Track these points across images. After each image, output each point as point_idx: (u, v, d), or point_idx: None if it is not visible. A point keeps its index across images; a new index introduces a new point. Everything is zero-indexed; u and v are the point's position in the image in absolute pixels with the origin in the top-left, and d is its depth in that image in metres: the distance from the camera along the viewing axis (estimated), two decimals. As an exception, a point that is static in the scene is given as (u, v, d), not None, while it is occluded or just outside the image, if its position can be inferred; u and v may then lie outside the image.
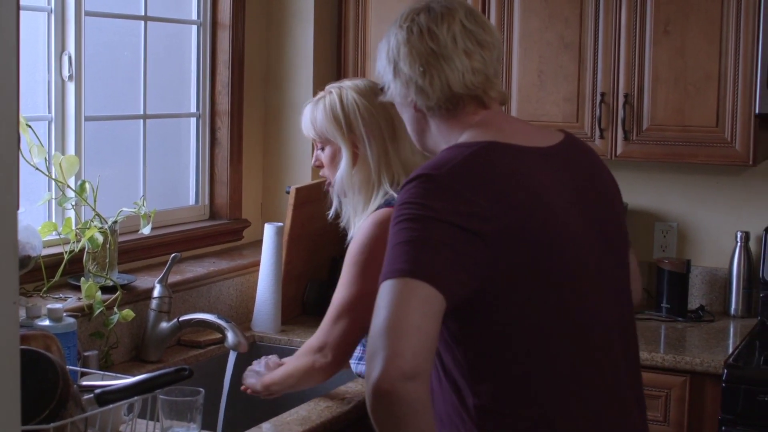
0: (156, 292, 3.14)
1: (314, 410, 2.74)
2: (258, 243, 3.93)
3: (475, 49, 2.06)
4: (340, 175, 2.78)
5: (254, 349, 3.38)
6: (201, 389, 2.47)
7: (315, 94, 3.91)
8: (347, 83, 2.85)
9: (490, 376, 1.94)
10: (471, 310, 1.91)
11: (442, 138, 2.10)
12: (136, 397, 2.25)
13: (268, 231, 3.53)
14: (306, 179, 3.94)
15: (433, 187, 1.90)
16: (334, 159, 2.81)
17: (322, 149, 2.84)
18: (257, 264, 3.62)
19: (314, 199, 3.68)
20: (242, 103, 3.88)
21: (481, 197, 1.90)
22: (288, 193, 3.62)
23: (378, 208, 2.71)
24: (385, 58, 2.11)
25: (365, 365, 1.81)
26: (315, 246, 3.76)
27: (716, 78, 3.56)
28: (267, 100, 4.03)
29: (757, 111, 3.49)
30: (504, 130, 2.06)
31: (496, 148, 2.00)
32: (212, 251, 3.77)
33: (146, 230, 3.17)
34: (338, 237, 3.91)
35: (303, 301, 3.78)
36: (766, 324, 3.71)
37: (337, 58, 4.06)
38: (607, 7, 3.67)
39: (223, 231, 3.82)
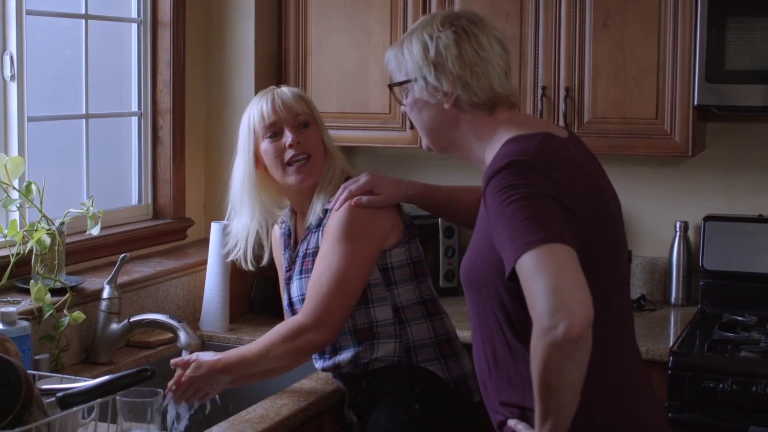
0: (105, 293, 3.12)
1: (271, 408, 2.75)
2: (202, 242, 3.92)
3: (503, 54, 2.33)
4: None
5: (204, 349, 3.36)
6: (160, 390, 2.46)
7: (257, 91, 3.93)
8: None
9: None
10: None
11: (473, 133, 2.30)
12: (98, 400, 2.23)
13: (215, 229, 3.52)
14: (249, 177, 3.92)
15: (526, 169, 2.10)
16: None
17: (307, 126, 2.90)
18: (204, 263, 3.61)
19: (260, 196, 3.67)
20: (184, 101, 3.86)
21: (563, 177, 2.12)
22: (234, 191, 3.60)
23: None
24: (421, 58, 2.29)
25: (543, 320, 1.93)
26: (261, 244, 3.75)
27: (655, 71, 3.62)
28: (208, 98, 4.01)
29: (695, 103, 3.55)
30: (539, 125, 2.31)
31: (553, 138, 2.23)
32: (157, 251, 3.74)
33: (95, 231, 3.14)
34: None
35: (250, 300, 3.77)
36: (706, 312, 3.78)
37: (278, 55, 4.05)
38: (547, 2, 3.71)
39: (168, 230, 3.80)
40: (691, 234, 3.90)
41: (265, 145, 2.86)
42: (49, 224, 3.06)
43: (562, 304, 1.92)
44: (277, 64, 4.05)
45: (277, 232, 3.02)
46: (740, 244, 3.80)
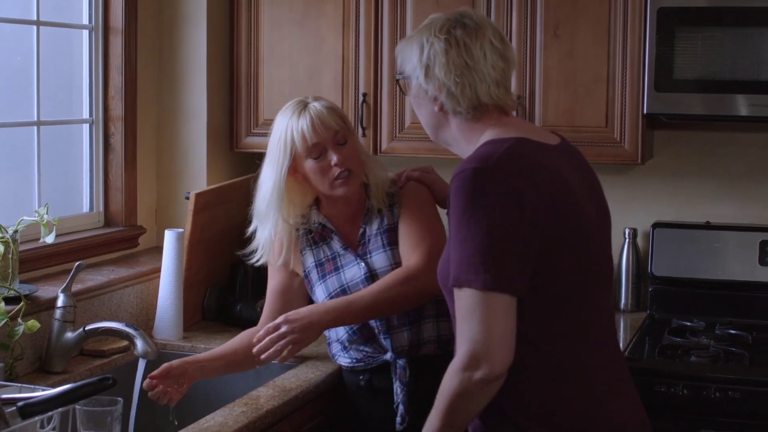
0: (60, 302, 3.09)
1: (230, 416, 2.74)
2: (154, 250, 3.91)
3: (500, 64, 2.37)
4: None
5: (160, 358, 3.35)
6: (119, 399, 2.45)
7: (209, 99, 3.94)
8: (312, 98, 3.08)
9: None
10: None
11: (462, 136, 2.39)
12: (59, 409, 2.22)
13: (169, 237, 3.51)
14: (201, 185, 3.92)
15: (487, 178, 2.17)
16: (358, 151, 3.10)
17: (344, 143, 3.03)
18: (157, 271, 3.59)
19: (213, 204, 3.69)
20: (136, 108, 3.84)
21: (522, 183, 2.17)
22: (187, 198, 3.60)
23: None
24: (417, 60, 2.38)
25: (467, 358, 2.16)
26: (214, 252, 3.75)
27: (605, 80, 3.67)
28: (160, 106, 4.00)
29: (645, 111, 3.61)
30: (522, 129, 2.36)
31: (526, 143, 2.28)
32: (108, 259, 3.72)
33: (49, 239, 3.12)
34: (236, 242, 3.92)
35: (203, 308, 3.76)
36: (656, 317, 3.83)
37: (229, 63, 4.05)
38: (498, 11, 3.74)
39: (120, 238, 3.78)
40: (639, 241, 3.96)
41: (310, 165, 2.98)
42: (2, 232, 3.04)
43: (487, 352, 2.13)
44: (228, 72, 4.05)
45: (291, 233, 3.10)
46: (688, 251, 3.86)
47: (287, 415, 2.91)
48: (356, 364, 3.06)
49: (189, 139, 3.98)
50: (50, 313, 3.11)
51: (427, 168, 3.18)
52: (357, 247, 3.06)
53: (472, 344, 2.14)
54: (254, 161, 4.20)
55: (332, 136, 2.98)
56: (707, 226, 3.89)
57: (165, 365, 2.88)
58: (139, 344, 2.96)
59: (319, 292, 3.07)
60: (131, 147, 3.83)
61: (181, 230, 3.54)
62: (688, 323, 3.71)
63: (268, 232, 3.04)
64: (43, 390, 2.43)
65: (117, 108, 3.79)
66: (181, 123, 3.99)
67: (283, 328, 2.84)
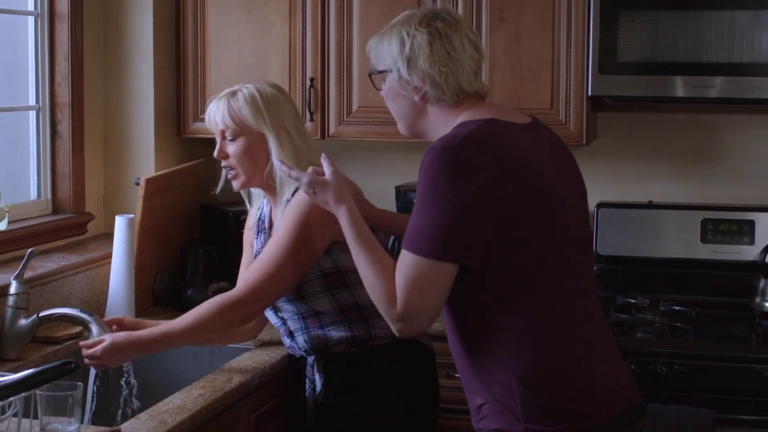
0: (13, 289, 3.08)
1: (188, 398, 2.76)
2: (102, 236, 3.91)
3: (475, 55, 2.53)
4: (276, 161, 2.90)
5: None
6: (79, 383, 2.46)
7: (156, 85, 3.94)
8: (254, 83, 3.01)
9: None
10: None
11: (439, 122, 2.51)
12: (22, 394, 2.22)
13: (119, 223, 3.51)
14: (149, 171, 3.92)
15: (453, 155, 2.30)
16: (250, 149, 2.95)
17: (233, 140, 2.95)
18: (107, 257, 3.60)
19: (163, 189, 3.69)
20: (83, 94, 3.82)
21: (487, 161, 2.31)
22: (137, 184, 3.60)
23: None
24: (398, 53, 2.50)
25: (393, 312, 2.37)
26: (164, 237, 3.76)
27: (550, 63, 3.73)
28: (107, 92, 3.98)
29: (589, 93, 3.67)
30: (495, 111, 2.49)
31: (495, 124, 2.42)
32: (57, 246, 3.71)
33: (2, 226, 3.11)
34: (186, 228, 3.94)
35: (153, 293, 3.77)
36: (601, 295, 3.87)
37: (176, 49, 4.05)
38: (444, -4, 3.79)
39: (68, 225, 3.77)
40: (584, 221, 4.02)
41: None
42: (-47, 220, 3.02)
43: (412, 316, 2.35)
44: (175, 58, 4.05)
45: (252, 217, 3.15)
46: (631, 230, 3.94)
47: (244, 397, 2.93)
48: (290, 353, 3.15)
49: (136, 125, 3.97)
50: (1, 300, 3.10)
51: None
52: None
53: (403, 302, 2.34)
54: (201, 147, 4.21)
55: (220, 130, 2.99)
56: (650, 206, 3.97)
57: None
58: (95, 329, 2.95)
59: None
60: (78, 133, 3.81)
61: (131, 216, 3.54)
62: (633, 300, 3.79)
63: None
64: (2, 375, 2.43)
65: (64, 94, 3.77)
66: (129, 109, 3.98)
67: (98, 350, 2.81)
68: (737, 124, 4.01)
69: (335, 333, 2.96)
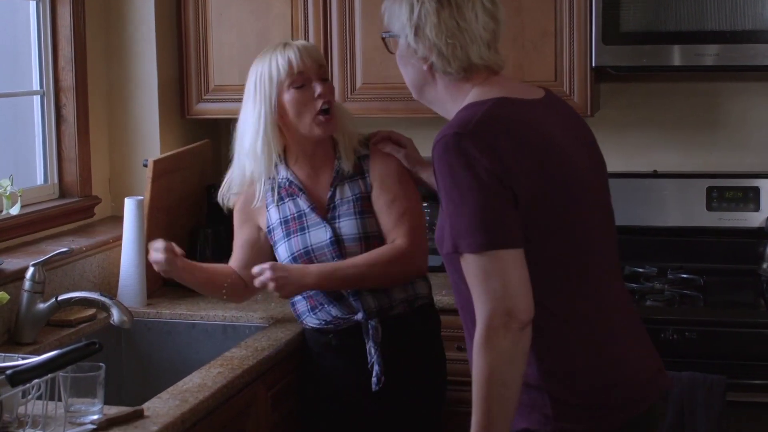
0: (29, 273, 3.09)
1: (208, 376, 2.78)
2: (110, 219, 3.91)
3: (490, 25, 2.36)
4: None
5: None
6: (102, 364, 2.47)
7: (159, 67, 3.93)
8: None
9: None
10: None
11: (449, 95, 2.37)
12: (48, 375, 2.24)
13: (129, 205, 3.52)
14: (155, 153, 3.91)
15: (467, 143, 2.16)
16: None
17: (326, 80, 3.05)
18: (117, 240, 3.61)
19: (170, 170, 3.70)
20: (86, 78, 3.82)
21: (504, 143, 2.18)
22: (145, 166, 3.61)
23: None
24: (406, 19, 2.35)
25: (492, 320, 2.12)
26: (173, 218, 3.76)
27: (553, 34, 3.72)
28: (110, 75, 3.98)
29: (593, 64, 3.68)
30: (505, 88, 2.34)
31: (506, 102, 2.28)
32: (66, 230, 3.71)
33: (14, 210, 3.12)
34: (195, 208, 3.94)
35: (164, 274, 3.77)
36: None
37: (178, 30, 4.04)
38: (445, -30, 3.78)
39: (76, 209, 3.77)
40: (589, 192, 4.03)
41: (291, 95, 2.97)
42: (-36, 205, 3.03)
43: (509, 304, 2.11)
44: (177, 39, 4.05)
45: (256, 187, 3.09)
46: (637, 200, 3.96)
47: (261, 374, 2.95)
48: (325, 326, 3.07)
49: (140, 107, 3.97)
50: (16, 284, 3.11)
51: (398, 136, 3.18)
52: (326, 210, 3.04)
53: (492, 302, 2.12)
54: (206, 127, 4.22)
55: (317, 68, 2.99)
56: (655, 175, 3.98)
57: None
58: (116, 313, 2.97)
59: (282, 251, 3.07)
60: (83, 117, 3.81)
61: (140, 198, 3.55)
62: (641, 269, 3.80)
63: (260, 167, 3.03)
64: (24, 358, 2.45)
65: (67, 78, 3.77)
66: (132, 92, 3.97)
67: (268, 274, 2.90)
68: (740, 92, 4.03)
69: (396, 293, 3.04)
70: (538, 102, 2.36)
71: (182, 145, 4.03)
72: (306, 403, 3.17)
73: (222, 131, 4.42)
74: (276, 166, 3.03)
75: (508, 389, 2.13)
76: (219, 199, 3.16)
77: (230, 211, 3.22)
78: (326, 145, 3.06)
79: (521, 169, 2.18)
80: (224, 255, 3.77)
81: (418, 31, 2.33)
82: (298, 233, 3.04)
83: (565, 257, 2.25)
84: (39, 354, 2.70)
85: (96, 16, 3.90)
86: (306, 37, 3.90)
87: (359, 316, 3.01)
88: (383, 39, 2.47)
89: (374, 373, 2.99)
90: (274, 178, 3.06)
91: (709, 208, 3.92)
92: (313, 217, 3.03)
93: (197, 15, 4.01)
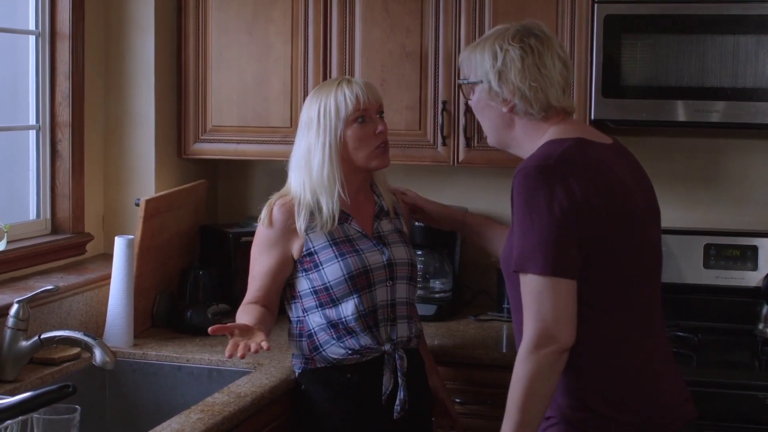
0: (13, 310, 3.06)
1: (186, 423, 2.72)
2: (101, 257, 3.88)
3: (564, 71, 2.62)
4: None
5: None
6: (77, 407, 2.43)
7: (157, 105, 3.92)
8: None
9: None
10: None
11: (527, 136, 2.61)
12: (19, 417, 2.20)
13: (119, 244, 3.49)
14: (149, 191, 3.89)
15: (547, 175, 2.40)
16: None
17: (382, 116, 3.16)
18: (106, 278, 3.57)
19: (163, 210, 3.67)
20: (83, 114, 3.81)
21: (580, 180, 2.41)
22: (137, 205, 3.58)
23: None
24: (489, 66, 2.60)
25: (536, 338, 2.39)
26: (164, 258, 3.73)
27: (553, 86, 3.70)
28: (108, 112, 3.96)
29: (592, 117, 3.65)
30: (582, 129, 2.61)
31: (584, 144, 2.52)
32: (56, 266, 3.68)
33: (1, 246, 3.09)
34: (188, 248, 3.91)
35: (152, 314, 3.74)
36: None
37: (177, 69, 4.03)
38: (447, 18, 3.78)
39: (67, 245, 3.74)
40: (586, 245, 4.00)
41: (355, 129, 3.06)
42: (-49, 240, 3.00)
43: (555, 328, 2.37)
44: (176, 78, 4.04)
45: (289, 210, 3.09)
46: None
47: (243, 421, 2.90)
48: (350, 356, 3.05)
49: (137, 145, 3.95)
50: (0, 321, 3.08)
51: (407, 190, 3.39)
52: (372, 237, 3.14)
53: (540, 323, 2.37)
54: (202, 168, 4.20)
55: (378, 106, 3.11)
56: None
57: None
58: (98, 354, 2.93)
59: (334, 270, 3.06)
60: (78, 153, 3.79)
61: (131, 237, 3.52)
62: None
63: (321, 196, 3.06)
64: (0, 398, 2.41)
65: (64, 114, 3.75)
66: (129, 129, 3.96)
67: None
68: (741, 149, 4.00)
69: (414, 326, 3.19)
70: (610, 147, 2.60)
71: (178, 184, 4.00)
72: None
73: (219, 172, 4.42)
74: (338, 194, 3.07)
75: (538, 403, 2.39)
76: (264, 213, 3.11)
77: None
78: (367, 183, 3.19)
79: (591, 208, 2.40)
80: (216, 297, 3.76)
81: (501, 76, 2.58)
82: (354, 254, 3.08)
83: (619, 287, 2.47)
84: (20, 392, 2.67)
85: (95, 52, 3.89)
86: (305, 80, 3.90)
87: (387, 346, 3.08)
88: (460, 86, 2.77)
89: (398, 401, 3.05)
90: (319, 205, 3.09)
91: (707, 265, 3.87)
92: (365, 241, 3.12)
93: (197, 54, 4.00)
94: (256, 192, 4.40)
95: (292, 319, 3.15)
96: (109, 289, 3.52)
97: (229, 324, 2.83)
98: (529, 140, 2.59)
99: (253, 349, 2.73)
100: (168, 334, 3.64)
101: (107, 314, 3.50)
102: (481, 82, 2.62)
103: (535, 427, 2.41)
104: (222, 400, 2.92)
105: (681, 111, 3.62)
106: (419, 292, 3.98)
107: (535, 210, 2.39)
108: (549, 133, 2.56)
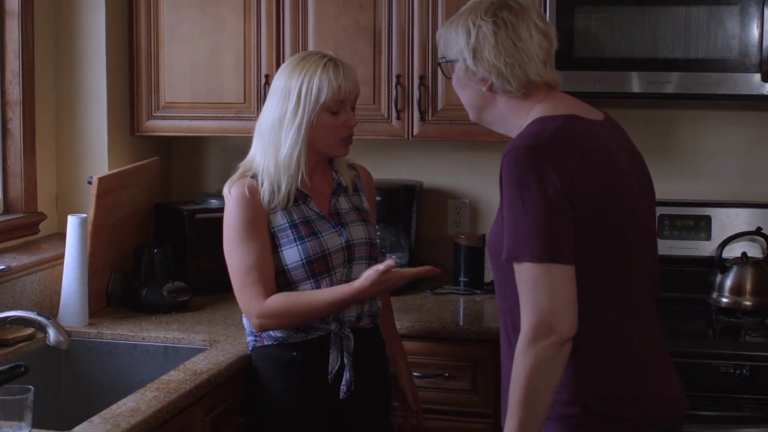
0: (-36, 291, 3.03)
1: (142, 401, 2.71)
2: (55, 236, 3.85)
3: (544, 43, 2.48)
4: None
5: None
6: (30, 387, 2.41)
7: (109, 83, 3.88)
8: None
9: None
10: None
11: (511, 113, 2.48)
12: (-29, 398, 2.18)
13: (72, 223, 3.46)
14: (102, 169, 3.86)
15: (538, 156, 2.26)
16: None
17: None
18: (60, 257, 3.54)
19: (116, 188, 3.64)
20: (34, 92, 3.76)
21: (575, 160, 2.28)
22: (90, 183, 3.55)
23: None
24: (464, 43, 2.46)
25: (535, 330, 2.24)
26: (118, 237, 3.71)
27: (507, 59, 3.70)
28: (59, 90, 3.92)
29: (546, 90, 3.65)
30: (571, 105, 2.47)
31: (576, 121, 2.40)
32: (9, 246, 3.64)
33: (-49, 226, 3.05)
34: (142, 226, 3.89)
35: (107, 293, 3.72)
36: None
37: (129, 46, 4.00)
38: (401, -3, 3.77)
39: (20, 225, 3.70)
40: (541, 217, 4.01)
41: (327, 119, 2.99)
42: None
43: (554, 318, 2.23)
44: (128, 55, 4.00)
45: (252, 190, 3.00)
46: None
47: (199, 399, 2.89)
48: (295, 333, 3.00)
49: (89, 123, 3.92)
50: (-48, 302, 3.05)
51: None
52: (331, 217, 3.07)
53: (539, 313, 2.24)
54: (155, 145, 4.17)
55: (354, 98, 3.04)
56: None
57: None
58: (52, 333, 2.89)
59: (292, 254, 3.00)
60: (30, 132, 3.75)
61: (84, 215, 3.49)
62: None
63: (285, 177, 2.98)
64: (-50, 380, 2.39)
65: (14, 93, 3.71)
66: (81, 107, 3.92)
67: None
68: (693, 120, 4.02)
69: (366, 306, 3.09)
70: (601, 123, 2.47)
71: (131, 162, 3.97)
72: (253, 428, 3.11)
73: (173, 149, 4.39)
74: (301, 176, 3.01)
75: (541, 397, 2.26)
76: (236, 193, 2.99)
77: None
78: (325, 159, 3.11)
79: (585, 188, 2.28)
80: (171, 274, 3.74)
81: (476, 53, 2.45)
82: (312, 237, 3.01)
83: (612, 275, 2.35)
84: (-29, 374, 2.64)
85: (45, 29, 3.84)
86: (258, 56, 3.87)
87: (333, 326, 3.02)
88: (439, 65, 2.61)
89: (344, 381, 3.00)
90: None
91: (661, 236, 3.90)
92: (323, 223, 3.04)
93: (149, 31, 3.96)
94: (211, 169, 4.39)
95: None
96: (63, 268, 3.49)
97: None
98: (515, 117, 2.47)
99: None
100: (123, 313, 3.62)
101: (61, 294, 3.47)
102: (458, 60, 2.50)
103: (541, 421, 2.28)
104: (178, 378, 2.91)
105: (634, 82, 3.63)
106: (376, 266, 3.99)
107: (527, 193, 2.25)
108: (536, 109, 2.44)
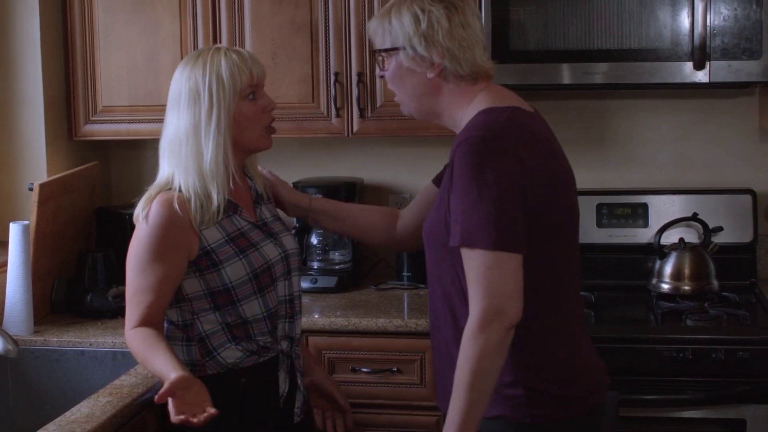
0: None
1: (96, 406, 2.71)
2: (-5, 244, 3.82)
3: (482, 29, 2.55)
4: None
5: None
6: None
7: (45, 87, 3.85)
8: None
9: None
10: None
11: (455, 101, 2.52)
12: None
13: (14, 230, 3.43)
14: (41, 175, 3.83)
15: (496, 145, 2.34)
16: None
17: None
18: (2, 265, 3.51)
19: (57, 194, 3.62)
20: (-32, 99, 3.73)
21: (525, 151, 2.37)
22: (31, 189, 3.52)
23: None
24: (413, 30, 2.47)
25: (482, 316, 2.34)
26: (60, 243, 3.68)
27: (444, 54, 3.73)
28: (-7, 95, 3.89)
29: (484, 83, 3.69)
30: (511, 97, 2.55)
31: (521, 112, 2.48)
32: (-52, 256, 3.61)
33: None
34: (83, 232, 3.86)
35: (51, 300, 3.69)
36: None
37: (64, 50, 3.97)
38: (331, -12, 3.79)
39: (-41, 234, 3.67)
40: (482, 210, 4.05)
41: (247, 108, 2.71)
42: None
43: (502, 305, 2.31)
44: (64, 59, 3.97)
45: (182, 205, 2.66)
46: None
47: (152, 403, 2.87)
48: (248, 357, 2.73)
49: (26, 128, 3.88)
50: None
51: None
52: (262, 227, 2.81)
53: (489, 298, 2.31)
54: (94, 149, 4.15)
55: (263, 80, 2.78)
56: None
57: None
58: (0, 342, 2.88)
59: (237, 269, 2.71)
60: (-35, 138, 3.72)
61: (26, 222, 3.46)
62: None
63: (213, 187, 2.67)
64: None
65: (-51, 99, 3.67)
66: (17, 112, 3.88)
67: None
68: (627, 110, 4.09)
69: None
70: (535, 115, 2.56)
71: (71, 166, 3.95)
72: None
73: (111, 153, 4.36)
74: (231, 182, 2.71)
75: (488, 380, 2.34)
76: (138, 215, 2.68)
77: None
78: (242, 167, 2.83)
79: (536, 179, 2.37)
80: (115, 279, 3.72)
81: (428, 38, 2.47)
82: (253, 249, 2.74)
83: (555, 262, 2.46)
84: None
85: (-22, 35, 3.81)
86: (196, 57, 3.86)
87: (284, 344, 2.81)
88: (378, 56, 2.58)
89: (297, 404, 2.82)
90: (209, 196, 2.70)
91: (600, 224, 3.96)
92: (257, 233, 2.77)
93: (84, 33, 3.94)
94: (151, 172, 4.28)
95: (174, 322, 2.74)
96: (6, 276, 3.46)
97: (169, 388, 2.44)
98: (457, 107, 2.51)
99: (203, 418, 2.43)
100: (68, 319, 3.60)
101: (5, 302, 3.44)
102: (403, 48, 2.49)
103: (486, 403, 2.36)
104: (130, 382, 2.91)
105: (568, 74, 3.68)
106: (320, 264, 4.01)
107: (482, 182, 2.31)
108: (478, 99, 2.50)
